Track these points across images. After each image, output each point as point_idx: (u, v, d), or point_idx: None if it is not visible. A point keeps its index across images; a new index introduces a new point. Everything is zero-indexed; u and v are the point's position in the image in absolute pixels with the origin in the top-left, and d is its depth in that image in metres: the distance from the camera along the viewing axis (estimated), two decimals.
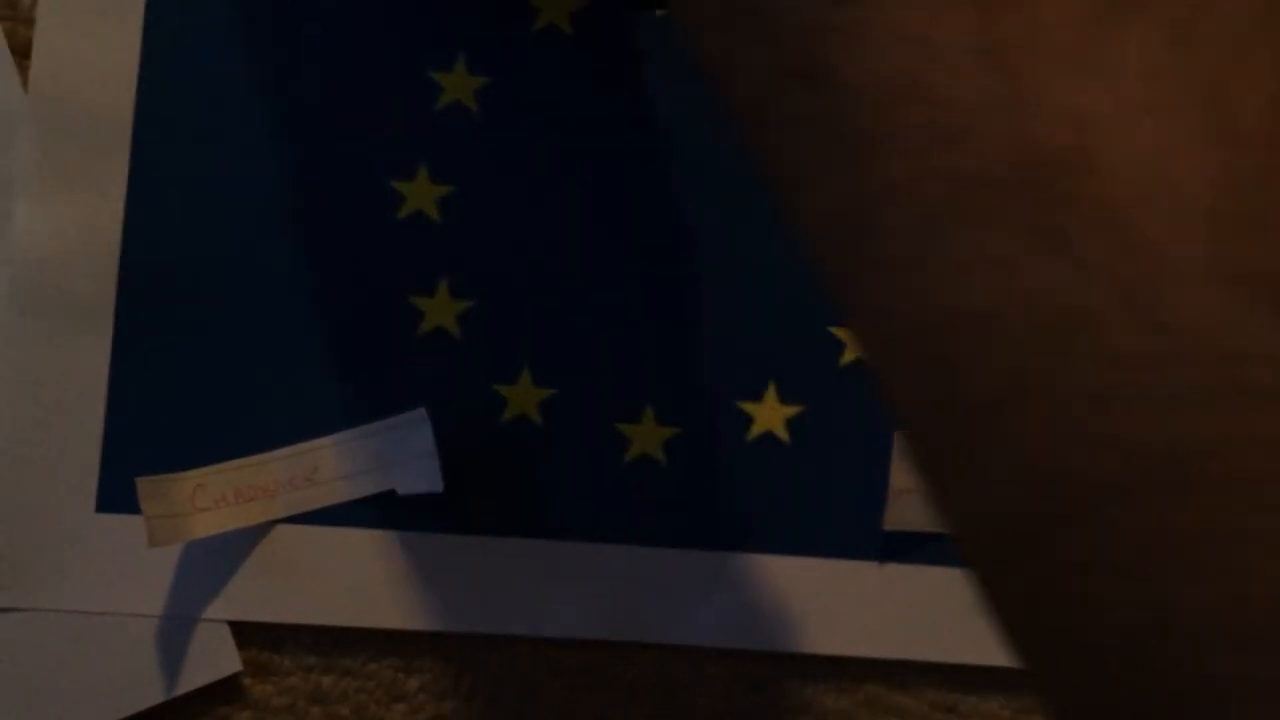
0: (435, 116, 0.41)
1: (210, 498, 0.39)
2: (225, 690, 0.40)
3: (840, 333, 0.42)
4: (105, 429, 0.39)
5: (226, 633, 0.40)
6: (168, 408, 0.40)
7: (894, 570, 0.41)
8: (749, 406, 0.41)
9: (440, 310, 0.41)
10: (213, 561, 0.39)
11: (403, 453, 0.39)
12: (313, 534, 0.40)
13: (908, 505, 0.41)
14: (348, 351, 0.40)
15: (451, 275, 0.41)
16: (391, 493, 0.40)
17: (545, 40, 0.42)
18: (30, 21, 0.39)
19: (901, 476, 0.41)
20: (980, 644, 0.41)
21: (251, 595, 0.40)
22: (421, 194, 0.41)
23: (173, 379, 0.40)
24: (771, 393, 0.41)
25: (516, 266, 0.41)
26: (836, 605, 0.41)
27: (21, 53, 0.39)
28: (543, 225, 0.41)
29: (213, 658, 0.39)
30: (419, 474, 0.39)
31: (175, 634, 0.39)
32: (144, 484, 0.37)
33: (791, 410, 0.41)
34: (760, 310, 0.41)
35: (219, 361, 0.40)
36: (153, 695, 0.39)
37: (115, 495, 0.39)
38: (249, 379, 0.40)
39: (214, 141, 0.40)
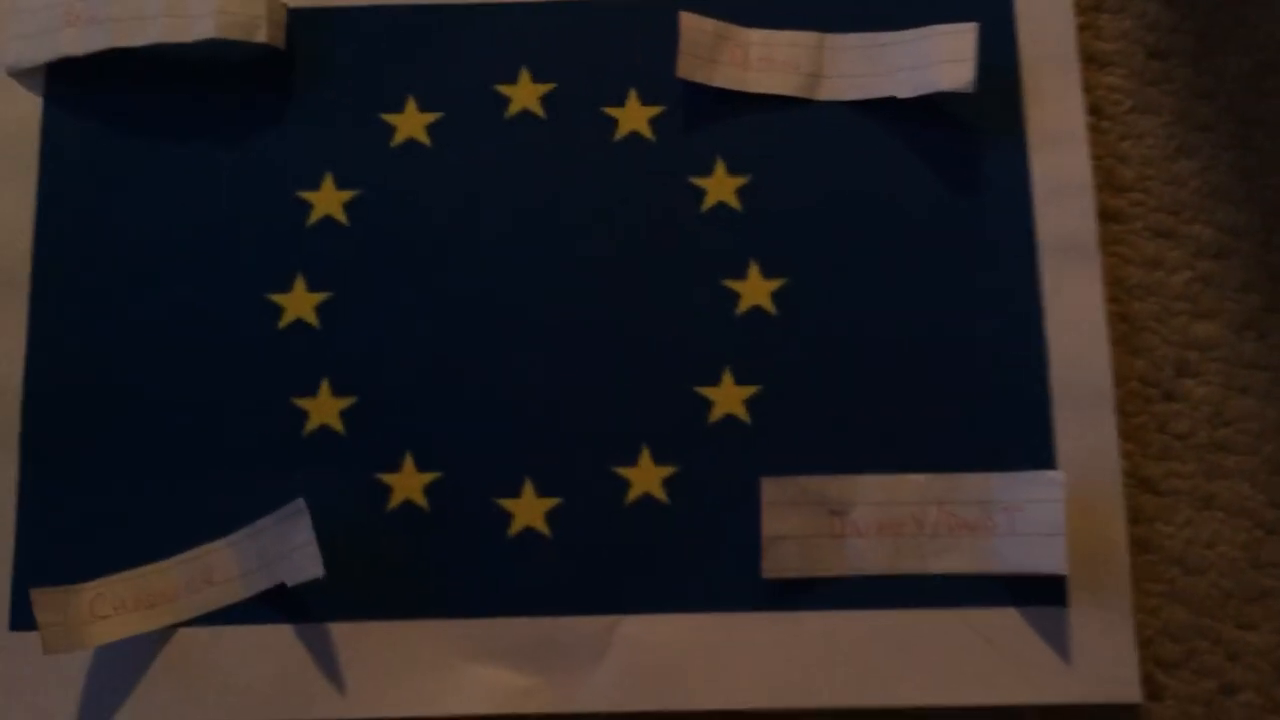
0: (307, 232, 0.44)
1: (110, 605, 0.41)
2: None
3: (707, 391, 0.43)
4: (16, 549, 0.42)
5: None
6: (75, 525, 0.42)
7: (778, 618, 0.41)
8: (625, 471, 0.43)
9: (323, 409, 0.43)
10: (121, 670, 0.41)
11: (287, 545, 0.41)
12: (214, 634, 0.41)
13: (783, 551, 0.41)
14: (239, 458, 0.43)
15: (333, 375, 0.43)
16: (283, 586, 0.41)
17: (405, 153, 0.45)
18: None
19: (774, 523, 0.42)
20: (870, 685, 0.41)
21: (160, 700, 0.41)
22: (299, 303, 0.44)
23: (78, 497, 0.42)
24: (646, 455, 0.43)
25: (395, 360, 0.43)
26: (727, 658, 0.41)
27: None
28: (417, 319, 0.44)
29: None
30: (302, 562, 0.40)
31: None
32: (37, 594, 0.39)
33: (666, 470, 0.43)
34: (628, 377, 0.43)
35: (122, 478, 0.42)
36: None
37: (29, 613, 0.41)
38: (150, 491, 0.42)
39: (107, 281, 0.44)
